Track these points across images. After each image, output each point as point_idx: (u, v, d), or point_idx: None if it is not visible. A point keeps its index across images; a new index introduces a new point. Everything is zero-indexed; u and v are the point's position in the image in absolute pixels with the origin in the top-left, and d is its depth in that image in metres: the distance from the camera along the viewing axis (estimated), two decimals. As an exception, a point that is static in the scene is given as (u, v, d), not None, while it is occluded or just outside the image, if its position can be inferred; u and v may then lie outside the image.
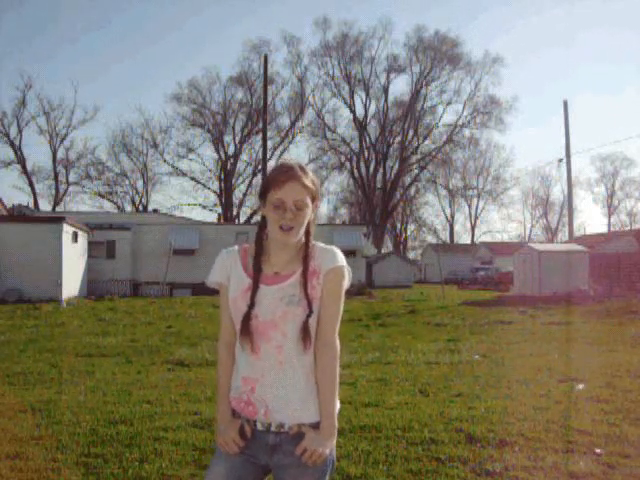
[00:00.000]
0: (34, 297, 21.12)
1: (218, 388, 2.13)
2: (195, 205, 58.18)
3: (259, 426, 2.02)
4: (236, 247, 2.16)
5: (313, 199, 2.04)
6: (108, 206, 56.71)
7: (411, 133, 58.74)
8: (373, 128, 60.11)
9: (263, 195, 2.04)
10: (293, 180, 1.98)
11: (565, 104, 31.71)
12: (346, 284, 2.07)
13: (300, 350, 1.99)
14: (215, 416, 2.09)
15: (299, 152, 60.64)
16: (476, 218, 71.44)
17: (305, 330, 1.98)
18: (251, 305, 2.00)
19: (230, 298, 2.07)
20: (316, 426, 2.01)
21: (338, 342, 2.05)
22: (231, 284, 2.08)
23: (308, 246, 2.05)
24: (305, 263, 2.02)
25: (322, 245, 2.09)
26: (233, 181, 57.63)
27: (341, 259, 2.04)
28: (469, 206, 71.00)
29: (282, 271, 2.04)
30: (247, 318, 1.99)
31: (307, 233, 2.07)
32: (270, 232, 2.03)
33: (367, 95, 58.99)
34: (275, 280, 2.03)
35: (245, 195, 58.08)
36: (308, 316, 1.98)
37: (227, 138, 57.63)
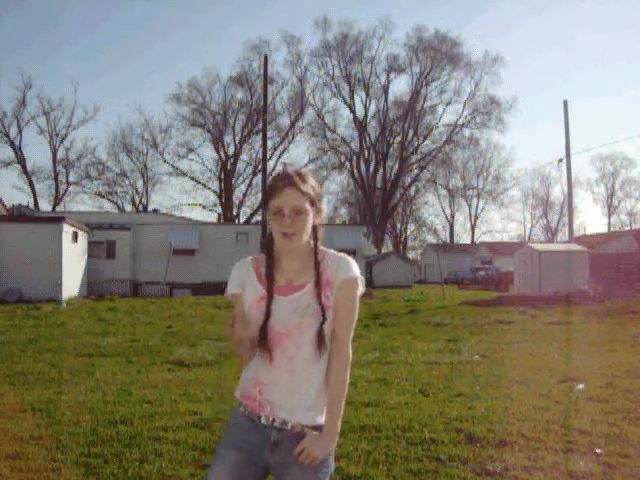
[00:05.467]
0: (34, 297, 21.09)
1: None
2: (195, 205, 58.28)
3: (263, 420, 2.05)
4: (249, 258, 2.18)
5: (313, 204, 2.05)
6: (108, 206, 56.76)
7: (411, 133, 58.69)
8: (373, 128, 60.09)
9: (266, 204, 2.07)
10: (290, 187, 2.00)
11: (565, 104, 31.68)
12: (360, 292, 2.09)
13: (313, 358, 2.03)
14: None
15: (299, 152, 60.82)
16: (476, 218, 71.51)
17: (320, 337, 2.01)
18: (267, 315, 2.02)
19: (246, 307, 2.08)
20: (318, 429, 2.03)
21: (351, 351, 2.09)
22: (246, 293, 2.09)
23: (317, 253, 2.07)
24: (317, 273, 2.04)
25: (334, 253, 2.10)
26: (233, 181, 57.57)
27: (355, 269, 2.06)
28: (469, 206, 71.05)
29: (294, 280, 2.06)
30: (264, 328, 2.01)
31: (315, 239, 2.09)
32: (275, 241, 2.05)
33: (367, 95, 58.96)
34: (288, 290, 2.05)
35: (245, 195, 58.03)
36: (322, 323, 2.01)
37: (227, 138, 57.62)
